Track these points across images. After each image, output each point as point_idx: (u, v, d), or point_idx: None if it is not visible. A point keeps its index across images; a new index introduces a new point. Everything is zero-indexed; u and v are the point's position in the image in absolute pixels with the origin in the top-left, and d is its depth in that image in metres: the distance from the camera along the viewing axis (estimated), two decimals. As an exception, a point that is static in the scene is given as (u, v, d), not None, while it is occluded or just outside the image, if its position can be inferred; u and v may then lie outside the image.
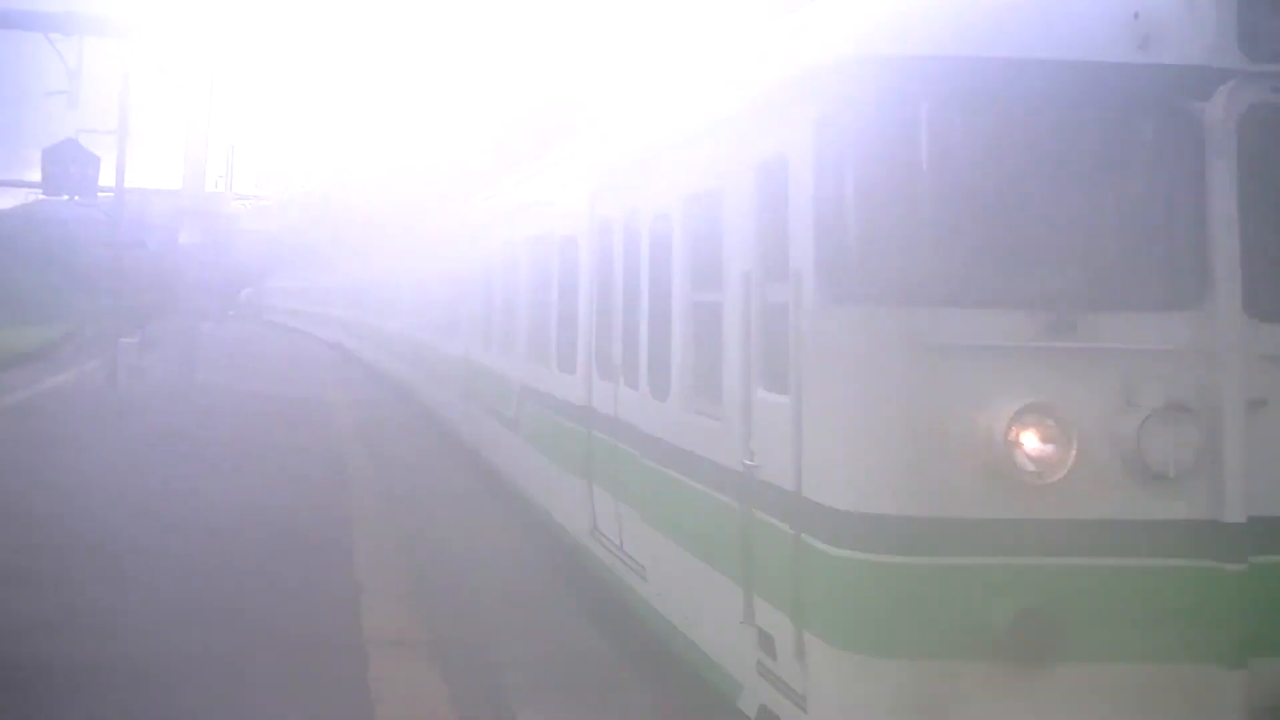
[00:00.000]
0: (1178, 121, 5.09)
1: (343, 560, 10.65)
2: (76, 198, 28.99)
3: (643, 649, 8.38)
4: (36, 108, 31.77)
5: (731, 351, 6.32)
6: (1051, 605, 4.81)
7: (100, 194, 29.31)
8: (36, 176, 30.27)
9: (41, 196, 38.55)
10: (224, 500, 12.90)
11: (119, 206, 27.77)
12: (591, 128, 11.00)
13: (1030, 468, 4.81)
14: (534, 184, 13.13)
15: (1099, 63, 5.10)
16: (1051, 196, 5.15)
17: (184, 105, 28.60)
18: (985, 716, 4.87)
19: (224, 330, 49.74)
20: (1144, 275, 5.12)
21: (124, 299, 28.13)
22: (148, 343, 29.42)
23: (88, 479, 13.72)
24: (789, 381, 5.54)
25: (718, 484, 6.47)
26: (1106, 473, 4.89)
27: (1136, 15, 5.09)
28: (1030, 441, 4.81)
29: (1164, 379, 4.93)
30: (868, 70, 5.17)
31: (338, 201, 52.97)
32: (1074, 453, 4.81)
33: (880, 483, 5.04)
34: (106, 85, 28.32)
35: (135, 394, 23.85)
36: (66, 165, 27.59)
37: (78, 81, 26.15)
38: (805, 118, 5.51)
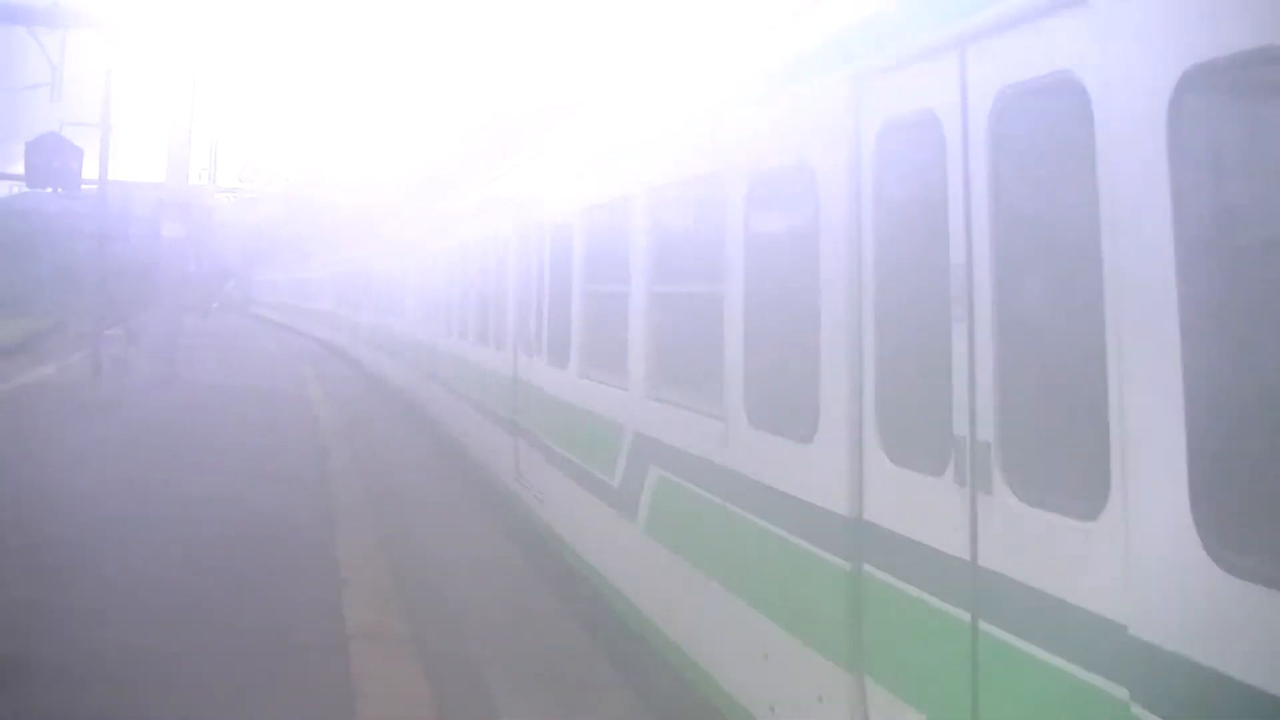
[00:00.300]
0: None
1: (326, 556, 10.67)
2: (60, 190, 28.86)
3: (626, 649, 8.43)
4: (19, 100, 31.61)
5: None
6: None
7: (83, 186, 29.18)
8: (19, 169, 30.13)
9: (24, 189, 38.36)
10: (206, 494, 12.90)
11: (102, 199, 27.66)
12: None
13: None
14: (671, 98, 8.05)
15: None
16: None
17: (167, 98, 28.56)
18: None
19: (208, 325, 49.57)
20: None
21: (107, 292, 28.03)
22: (131, 336, 29.31)
23: (69, 472, 13.70)
24: None
25: None
26: None
27: None
28: None
29: None
30: None
31: (326, 191, 52.66)
32: None
33: None
34: (90, 78, 28.23)
35: (118, 387, 23.79)
36: (50, 158, 27.46)
37: (60, 74, 26.07)
38: None
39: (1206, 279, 3.25)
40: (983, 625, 4.13)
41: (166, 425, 18.35)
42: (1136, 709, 3.28)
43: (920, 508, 4.56)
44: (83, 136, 28.56)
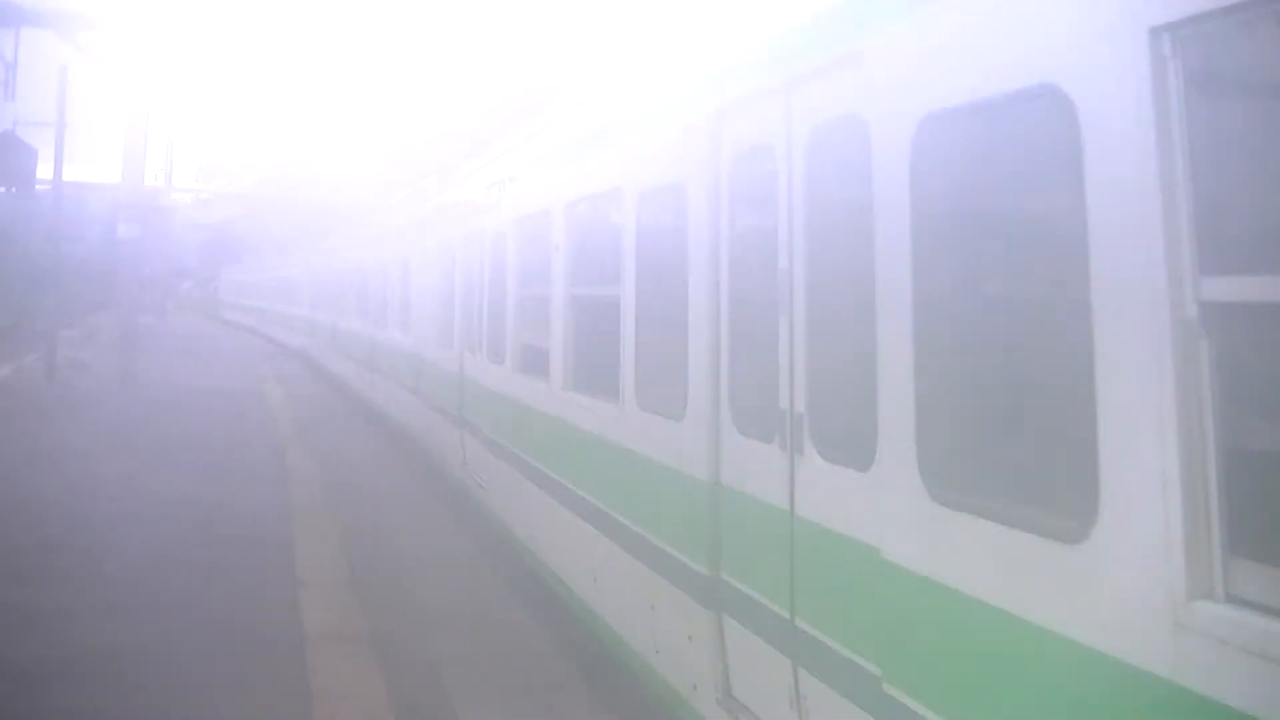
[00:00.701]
0: None
1: (284, 555, 10.63)
2: (14, 190, 28.57)
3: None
4: (-29, 99, 31.23)
5: None
6: None
7: (38, 186, 28.90)
8: (-28, 168, 29.78)
9: (-23, 189, 37.95)
10: (163, 494, 12.83)
11: (57, 199, 27.42)
12: None
13: None
14: None
15: None
16: None
17: (123, 98, 28.32)
18: None
19: (164, 326, 49.16)
20: None
21: (63, 293, 27.78)
22: (87, 337, 29.11)
23: (24, 473, 13.59)
24: None
25: None
26: None
27: None
28: None
29: None
30: None
31: (289, 190, 52.10)
32: None
33: None
34: (44, 76, 27.95)
35: (74, 388, 23.59)
36: (3, 158, 27.18)
37: (14, 73, 25.79)
38: None
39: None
40: None
41: (124, 425, 18.21)
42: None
43: None
44: (37, 136, 28.30)
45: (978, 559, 3.83)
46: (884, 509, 4.42)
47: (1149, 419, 3.11)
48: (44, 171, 27.92)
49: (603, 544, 7.60)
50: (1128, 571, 3.18)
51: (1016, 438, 3.89)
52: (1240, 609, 2.89)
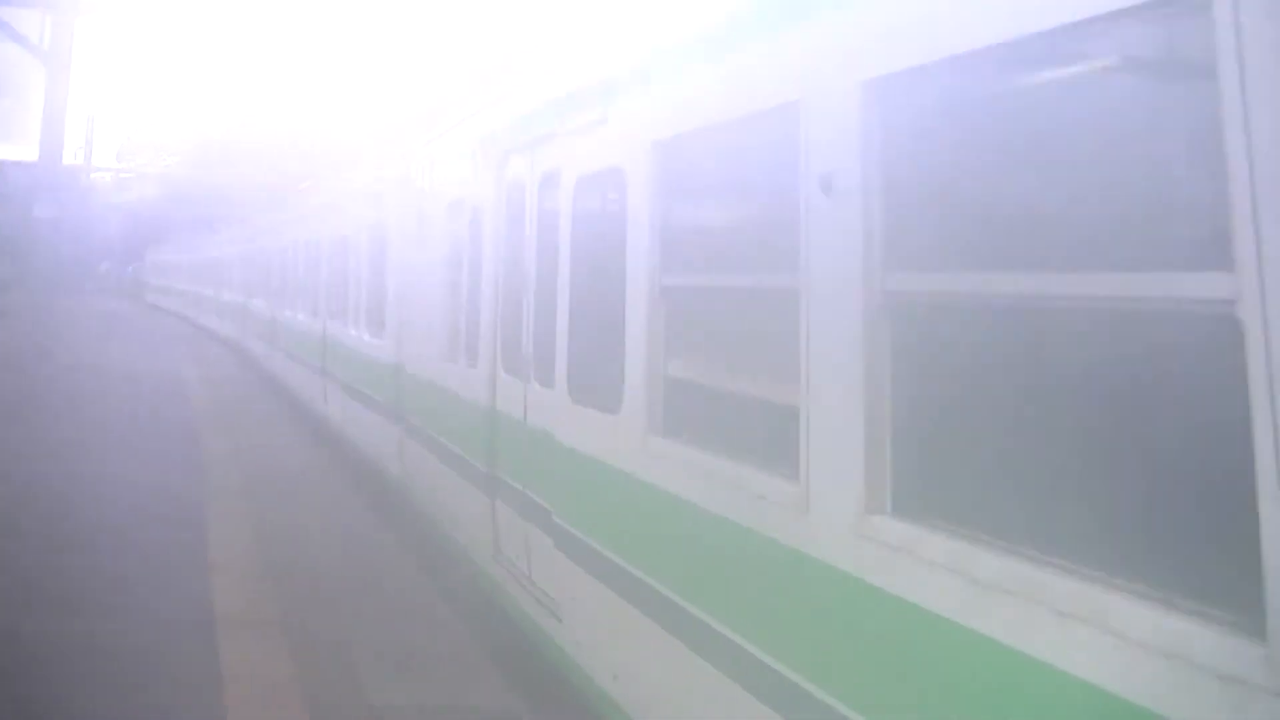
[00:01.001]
0: None
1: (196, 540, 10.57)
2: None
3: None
4: (-117, 72, 30.47)
5: None
6: None
7: (-48, 163, 28.32)
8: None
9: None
10: (74, 476, 12.68)
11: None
12: None
13: None
14: None
15: None
16: None
17: (42, 74, 27.79)
18: None
19: (81, 308, 48.29)
20: None
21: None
22: (-1, 316, 28.54)
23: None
24: None
25: None
26: None
27: None
28: None
29: None
30: None
31: (213, 171, 51.19)
32: None
33: None
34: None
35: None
36: (-85, 133, 26.62)
37: (-72, 46, 25.26)
38: None
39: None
40: None
41: (33, 406, 17.93)
42: None
43: None
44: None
45: None
46: None
47: None
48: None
49: None
50: None
51: None
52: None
